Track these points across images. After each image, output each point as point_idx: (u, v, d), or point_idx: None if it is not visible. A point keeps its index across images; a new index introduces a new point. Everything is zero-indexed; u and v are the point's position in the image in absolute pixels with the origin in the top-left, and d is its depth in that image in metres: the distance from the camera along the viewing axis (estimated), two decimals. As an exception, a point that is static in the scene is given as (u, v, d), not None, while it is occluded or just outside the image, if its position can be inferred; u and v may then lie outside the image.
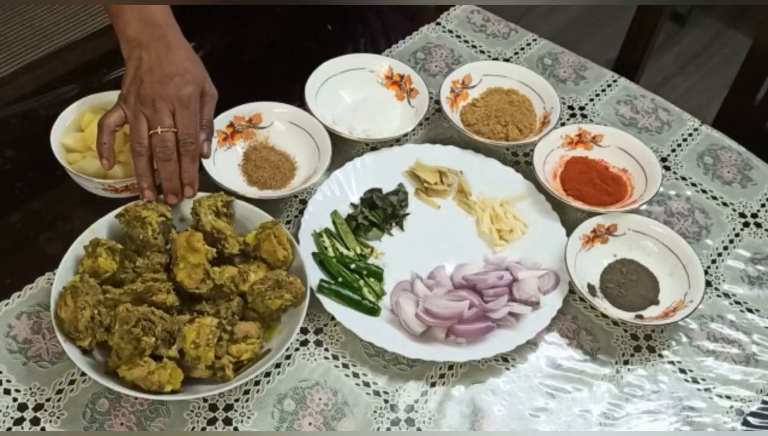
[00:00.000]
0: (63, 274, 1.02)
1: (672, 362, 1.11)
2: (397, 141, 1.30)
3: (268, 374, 1.04)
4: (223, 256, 1.07)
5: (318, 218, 1.17)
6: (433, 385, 1.05)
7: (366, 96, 1.34)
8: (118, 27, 1.13)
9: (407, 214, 1.22)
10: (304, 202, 1.21)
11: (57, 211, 1.18)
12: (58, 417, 0.98)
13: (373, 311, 1.09)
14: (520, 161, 1.31)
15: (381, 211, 1.20)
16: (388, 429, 1.01)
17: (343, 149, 1.26)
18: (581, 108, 1.40)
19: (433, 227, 1.22)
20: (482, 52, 1.47)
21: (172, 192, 1.08)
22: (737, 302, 1.18)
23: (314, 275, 1.10)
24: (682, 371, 1.10)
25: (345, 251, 1.15)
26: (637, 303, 1.14)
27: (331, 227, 1.18)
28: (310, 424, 1.01)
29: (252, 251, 1.08)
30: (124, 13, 1.12)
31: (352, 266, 1.13)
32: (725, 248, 1.24)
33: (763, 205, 1.30)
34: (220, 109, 1.23)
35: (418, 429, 1.02)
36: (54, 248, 1.08)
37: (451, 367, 1.07)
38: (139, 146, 1.06)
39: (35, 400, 0.99)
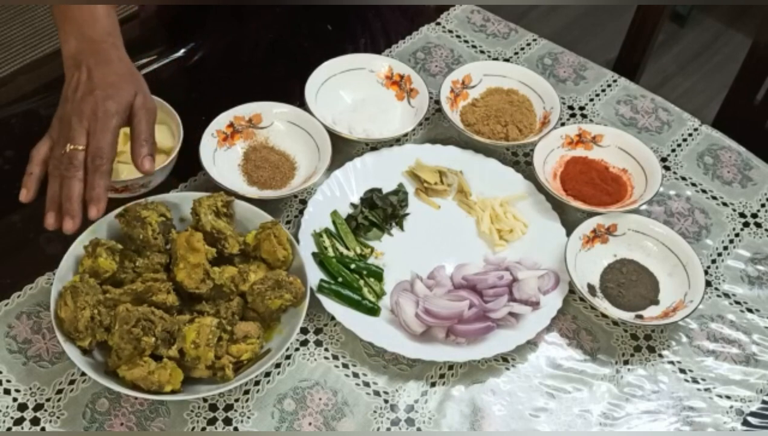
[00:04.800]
0: (63, 274, 1.02)
1: (672, 362, 1.11)
2: (397, 141, 1.30)
3: (268, 374, 1.04)
4: (223, 256, 1.07)
5: (318, 218, 1.17)
6: (433, 385, 1.05)
7: (366, 96, 1.34)
8: (61, 44, 1.09)
9: (407, 214, 1.22)
10: (304, 202, 1.21)
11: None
12: (58, 417, 0.98)
13: (373, 311, 1.09)
14: (520, 161, 1.31)
15: (381, 211, 1.20)
16: (388, 429, 1.01)
17: (343, 149, 1.26)
18: (581, 108, 1.40)
19: (433, 227, 1.22)
20: (482, 52, 1.47)
21: (68, 214, 0.98)
22: (737, 302, 1.18)
23: (314, 275, 1.10)
24: (682, 371, 1.10)
25: (345, 251, 1.15)
26: (637, 303, 1.14)
27: (331, 227, 1.18)
28: (310, 424, 1.01)
29: (252, 251, 1.08)
30: (64, 31, 1.08)
31: (352, 266, 1.13)
32: (725, 248, 1.24)
33: (763, 205, 1.30)
34: (220, 109, 1.24)
35: (418, 429, 1.02)
36: (54, 248, 1.08)
37: (451, 367, 1.07)
38: (54, 169, 1.00)
39: (35, 400, 0.99)
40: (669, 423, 1.05)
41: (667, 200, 1.29)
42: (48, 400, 0.99)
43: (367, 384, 1.04)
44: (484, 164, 1.27)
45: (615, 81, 1.45)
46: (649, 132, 1.38)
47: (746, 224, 1.27)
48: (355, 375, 1.05)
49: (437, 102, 1.33)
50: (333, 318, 1.08)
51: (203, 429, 0.99)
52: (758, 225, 1.27)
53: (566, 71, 1.46)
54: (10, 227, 1.16)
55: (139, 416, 0.99)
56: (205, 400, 1.01)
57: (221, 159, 1.21)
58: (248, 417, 1.00)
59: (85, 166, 0.99)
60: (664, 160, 1.34)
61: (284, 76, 1.39)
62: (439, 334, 1.08)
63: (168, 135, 1.18)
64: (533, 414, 1.04)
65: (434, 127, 1.34)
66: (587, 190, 1.23)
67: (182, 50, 1.40)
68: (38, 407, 0.98)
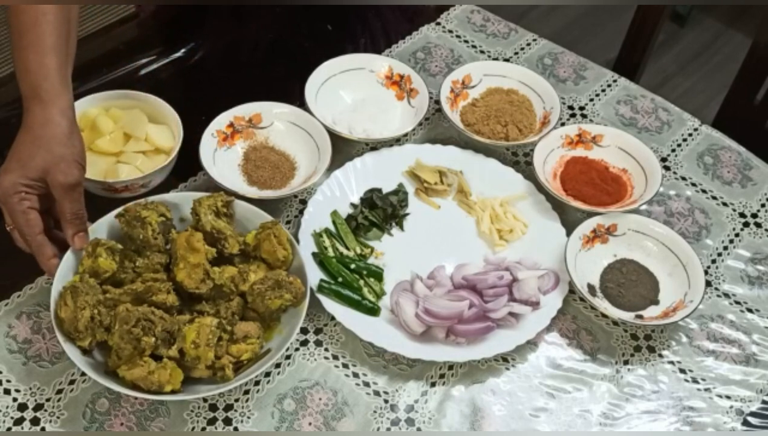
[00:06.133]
0: (63, 274, 1.02)
1: (672, 362, 1.11)
2: (397, 141, 1.30)
3: (268, 374, 1.04)
4: (223, 256, 1.07)
5: (318, 218, 1.17)
6: (433, 385, 1.05)
7: (366, 96, 1.34)
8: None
9: (407, 214, 1.22)
10: (304, 202, 1.21)
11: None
12: (58, 417, 0.98)
13: (373, 311, 1.09)
14: (520, 161, 1.31)
15: (381, 211, 1.20)
16: (388, 429, 1.01)
17: (343, 149, 1.26)
18: (581, 108, 1.40)
19: (433, 227, 1.22)
20: (482, 52, 1.47)
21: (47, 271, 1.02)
22: (737, 302, 1.18)
23: (314, 275, 1.10)
24: (682, 371, 1.10)
25: (345, 251, 1.15)
26: (637, 303, 1.14)
27: (331, 227, 1.18)
28: (310, 424, 1.01)
29: (252, 251, 1.08)
30: (18, 78, 1.03)
31: (352, 266, 1.13)
32: (725, 248, 1.24)
33: (763, 205, 1.30)
34: (220, 109, 1.24)
35: (418, 429, 1.02)
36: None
37: (451, 367, 1.07)
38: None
39: (35, 400, 0.99)
40: (669, 423, 1.05)
41: (667, 200, 1.29)
42: (48, 400, 0.99)
43: (367, 384, 1.04)
44: (484, 164, 1.27)
45: (615, 81, 1.45)
46: (649, 132, 1.38)
47: (746, 224, 1.27)
48: (355, 375, 1.05)
49: (437, 102, 1.33)
50: (333, 318, 1.08)
51: (203, 429, 0.99)
52: (758, 225, 1.27)
53: (566, 71, 1.46)
54: (10, 227, 1.16)
55: (139, 416, 0.99)
56: (205, 400, 1.01)
57: (221, 159, 1.21)
58: (248, 417, 1.00)
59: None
60: (664, 160, 1.34)
61: (284, 76, 1.39)
62: (439, 334, 1.08)
63: (168, 135, 1.18)
64: (533, 414, 1.04)
65: (434, 127, 1.34)
66: (587, 190, 1.23)
67: (182, 50, 1.40)
68: (38, 407, 0.98)
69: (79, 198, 1.01)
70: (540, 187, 1.23)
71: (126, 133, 1.17)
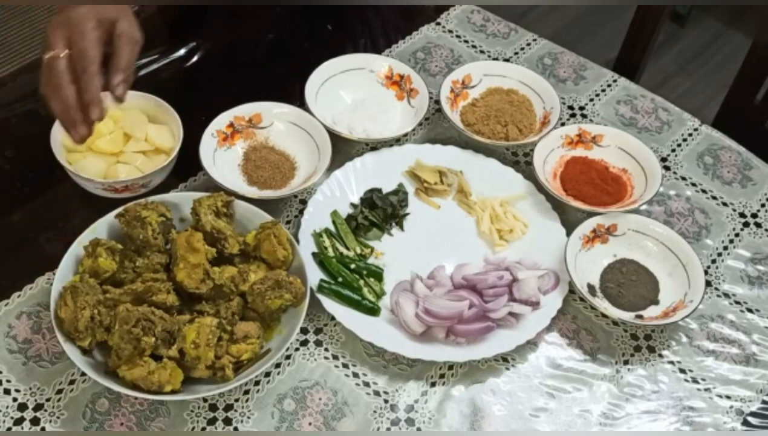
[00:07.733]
0: (63, 274, 1.02)
1: (672, 362, 1.11)
2: (397, 141, 1.30)
3: (268, 374, 1.04)
4: (223, 256, 1.07)
5: (318, 218, 1.18)
6: (433, 385, 1.05)
7: (366, 96, 1.34)
8: None
9: (407, 214, 1.22)
10: (304, 202, 1.21)
11: (57, 212, 1.18)
12: (58, 417, 0.98)
13: (373, 311, 1.09)
14: (520, 161, 1.31)
15: (381, 211, 1.20)
16: (388, 429, 1.01)
17: (343, 149, 1.26)
18: (581, 108, 1.40)
19: (433, 227, 1.22)
20: (482, 52, 1.47)
21: (67, 126, 0.98)
22: (737, 302, 1.18)
23: (314, 275, 1.10)
24: (682, 371, 1.10)
25: (345, 251, 1.15)
26: (637, 303, 1.14)
27: (331, 227, 1.18)
28: (310, 424, 1.01)
29: (252, 251, 1.08)
30: None
31: (352, 266, 1.13)
32: (725, 248, 1.24)
33: (763, 205, 1.30)
34: (220, 109, 1.24)
35: (418, 429, 1.02)
36: (54, 248, 1.08)
37: (451, 367, 1.07)
38: (45, 86, 0.99)
39: (35, 400, 0.99)
40: (669, 423, 1.05)
41: (667, 200, 1.29)
42: (48, 400, 0.99)
43: (367, 384, 1.04)
44: (484, 164, 1.27)
45: (615, 81, 1.45)
46: (649, 132, 1.38)
47: (746, 224, 1.27)
48: (355, 375, 1.05)
49: (437, 102, 1.33)
50: (333, 318, 1.08)
51: (203, 429, 0.99)
52: (758, 225, 1.27)
53: (566, 71, 1.46)
54: (10, 226, 1.16)
55: (139, 416, 0.99)
56: (205, 400, 1.01)
57: (221, 159, 1.21)
58: (248, 417, 1.00)
59: (74, 73, 0.96)
60: (664, 160, 1.34)
61: (284, 76, 1.38)
62: (439, 334, 1.08)
63: (168, 135, 1.18)
64: (533, 414, 1.04)
65: (434, 127, 1.34)
66: (587, 190, 1.23)
67: (183, 50, 1.40)
68: (38, 407, 0.98)
69: (135, 57, 1.00)
70: (540, 187, 1.23)
71: (126, 133, 1.17)
